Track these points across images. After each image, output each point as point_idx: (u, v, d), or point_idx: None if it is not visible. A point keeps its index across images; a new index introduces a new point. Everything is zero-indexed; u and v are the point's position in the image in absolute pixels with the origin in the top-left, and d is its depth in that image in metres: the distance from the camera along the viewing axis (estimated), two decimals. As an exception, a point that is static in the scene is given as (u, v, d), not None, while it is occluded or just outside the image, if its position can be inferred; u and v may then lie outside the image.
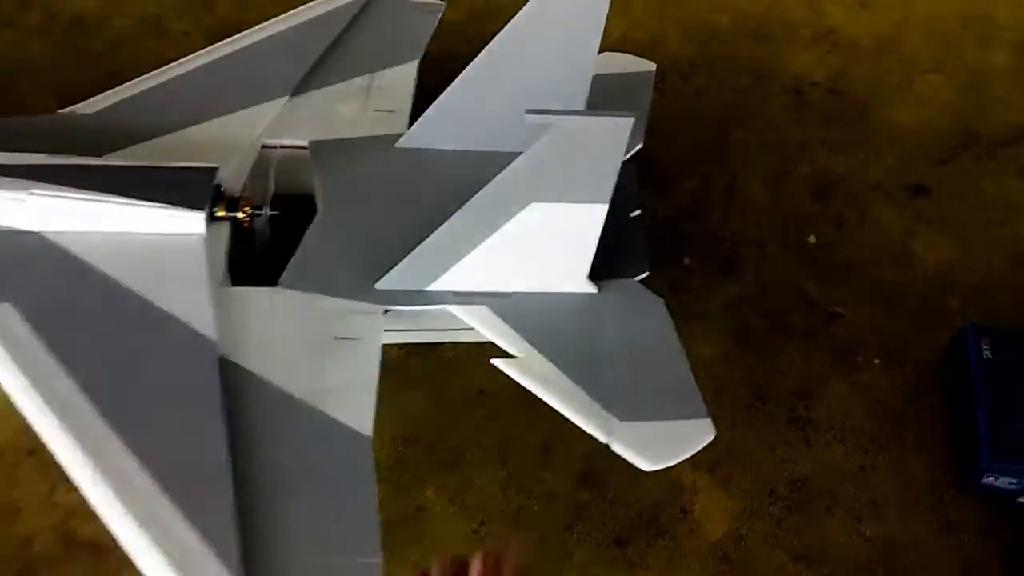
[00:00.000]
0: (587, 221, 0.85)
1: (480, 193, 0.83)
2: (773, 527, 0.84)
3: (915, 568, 0.83)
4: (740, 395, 0.95)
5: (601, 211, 0.84)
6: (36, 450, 0.83)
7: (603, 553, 0.82)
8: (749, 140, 1.24)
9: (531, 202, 0.83)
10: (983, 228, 1.14)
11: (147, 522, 0.70)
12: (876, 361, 0.98)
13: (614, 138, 0.79)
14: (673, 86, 1.30)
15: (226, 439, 0.75)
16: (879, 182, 1.19)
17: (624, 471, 0.85)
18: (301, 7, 1.20)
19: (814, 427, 0.92)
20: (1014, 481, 0.84)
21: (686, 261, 1.08)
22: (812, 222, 1.13)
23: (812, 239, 1.11)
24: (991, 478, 0.85)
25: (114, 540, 0.69)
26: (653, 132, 1.12)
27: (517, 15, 0.96)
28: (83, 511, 0.73)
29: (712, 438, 0.80)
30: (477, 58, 0.98)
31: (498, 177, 0.82)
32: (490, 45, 0.97)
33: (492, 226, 0.85)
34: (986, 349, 0.93)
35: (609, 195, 0.83)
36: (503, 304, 0.90)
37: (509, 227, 0.85)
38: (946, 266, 1.09)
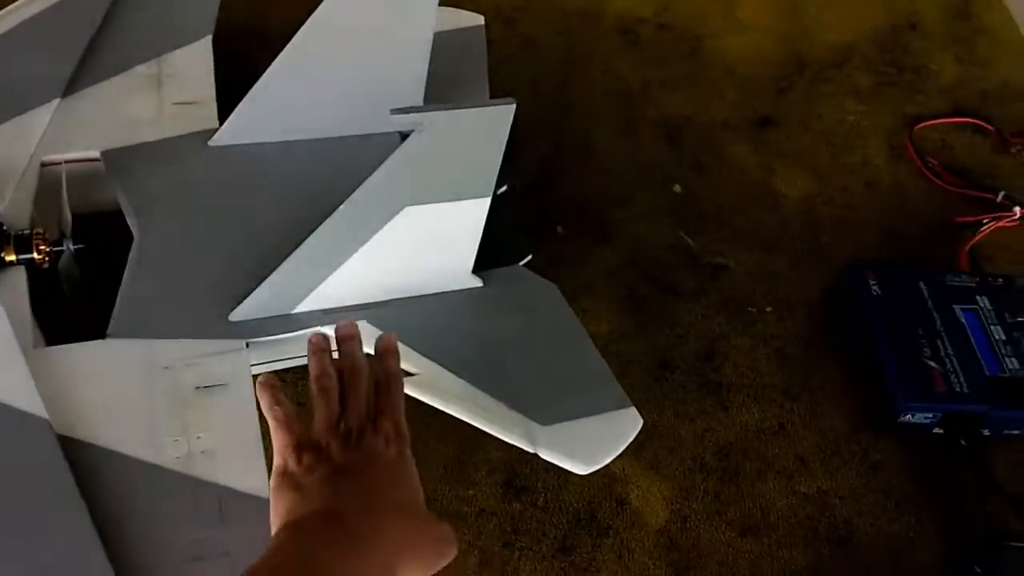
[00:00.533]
0: (469, 218, 0.82)
1: (344, 204, 0.77)
2: (712, 503, 0.87)
3: (852, 516, 0.88)
4: (646, 368, 0.96)
5: (484, 205, 0.81)
6: None
7: (550, 565, 0.81)
8: (590, 89, 1.25)
9: (404, 206, 0.78)
10: (833, 156, 1.21)
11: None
12: (768, 309, 1.03)
13: (494, 129, 0.75)
14: (500, 35, 1.28)
15: (97, 536, 0.67)
16: (726, 119, 1.24)
17: (550, 473, 0.85)
18: (46, -16, 1.06)
19: (726, 389, 0.95)
20: (929, 415, 0.91)
21: (559, 230, 1.07)
22: (672, 170, 1.16)
23: (677, 188, 1.14)
24: (907, 416, 0.91)
25: None
26: (492, 91, 1.10)
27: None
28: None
29: (640, 427, 0.81)
30: (298, 32, 0.91)
31: (363, 185, 0.76)
32: (312, 16, 0.91)
33: (361, 238, 0.80)
34: (873, 284, 1.00)
35: (491, 188, 0.80)
36: (382, 315, 0.85)
37: (381, 236, 0.80)
38: (808, 200, 1.16)
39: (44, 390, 0.74)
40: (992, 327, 0.98)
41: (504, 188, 0.98)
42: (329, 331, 0.83)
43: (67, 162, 0.91)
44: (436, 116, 0.72)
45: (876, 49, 1.37)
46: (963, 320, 0.98)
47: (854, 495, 0.90)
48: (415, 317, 0.85)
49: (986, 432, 0.93)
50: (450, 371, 0.82)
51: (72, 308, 0.84)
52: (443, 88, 1.00)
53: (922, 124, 1.27)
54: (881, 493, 0.90)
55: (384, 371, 0.70)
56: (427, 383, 0.81)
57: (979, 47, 1.38)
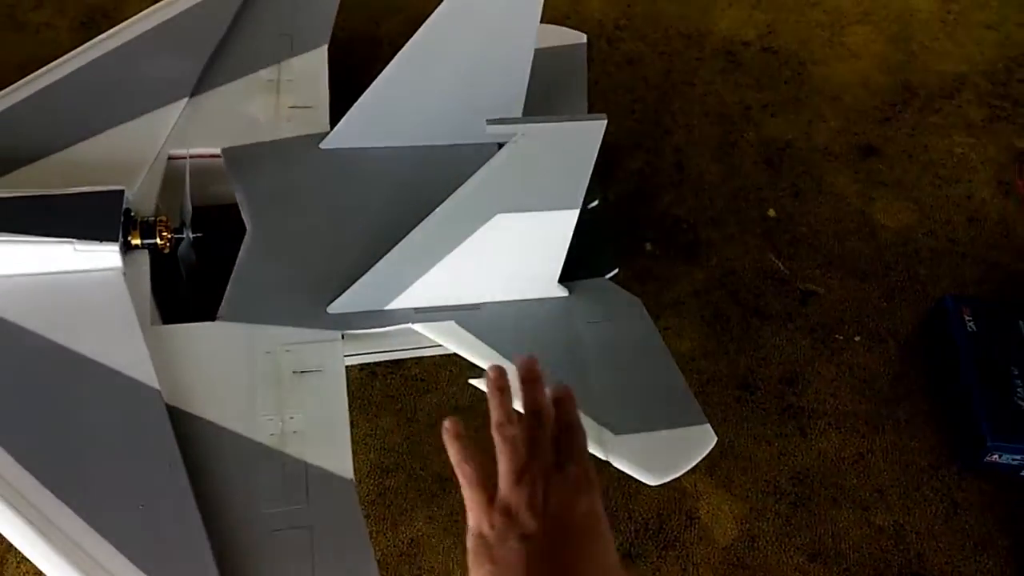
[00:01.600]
0: (557, 228, 0.86)
1: (439, 208, 0.82)
2: (783, 526, 0.88)
3: (927, 553, 0.89)
4: (726, 388, 0.98)
5: (572, 217, 0.85)
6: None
7: (614, 574, 0.84)
8: (690, 108, 1.28)
9: (496, 214, 0.83)
10: (937, 188, 1.21)
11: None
12: (856, 338, 1.04)
13: (586, 143, 0.79)
14: (602, 53, 1.32)
15: (193, 499, 0.73)
16: (827, 146, 1.25)
17: (622, 481, 0.87)
18: (180, -9, 1.15)
19: (806, 415, 0.97)
20: (1017, 457, 0.91)
21: (648, 247, 1.10)
22: (767, 194, 1.18)
23: (772, 212, 1.16)
24: (994, 456, 0.91)
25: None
26: (591, 108, 1.14)
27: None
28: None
29: (714, 444, 0.83)
30: (407, 46, 0.97)
31: (458, 191, 0.81)
32: (421, 30, 0.96)
33: (454, 241, 0.85)
34: (968, 321, 1.00)
35: (580, 200, 0.84)
36: (470, 317, 0.90)
37: (473, 240, 0.85)
38: (907, 231, 1.16)
39: (157, 363, 0.81)
40: (1089, 372, 0.97)
41: (596, 202, 1.02)
42: (420, 328, 0.89)
43: (191, 157, 0.98)
44: (529, 128, 0.77)
45: (989, 82, 1.36)
46: (1059, 363, 0.97)
47: (931, 532, 0.90)
48: (500, 321, 0.90)
49: (1075, 478, 0.92)
50: (531, 375, 0.85)
51: (187, 291, 0.92)
52: (543, 103, 1.05)
53: (1034, 161, 1.25)
54: (960, 532, 0.90)
55: (565, 418, 0.69)
56: (509, 384, 0.85)
57: (1099, 86, 1.35)
